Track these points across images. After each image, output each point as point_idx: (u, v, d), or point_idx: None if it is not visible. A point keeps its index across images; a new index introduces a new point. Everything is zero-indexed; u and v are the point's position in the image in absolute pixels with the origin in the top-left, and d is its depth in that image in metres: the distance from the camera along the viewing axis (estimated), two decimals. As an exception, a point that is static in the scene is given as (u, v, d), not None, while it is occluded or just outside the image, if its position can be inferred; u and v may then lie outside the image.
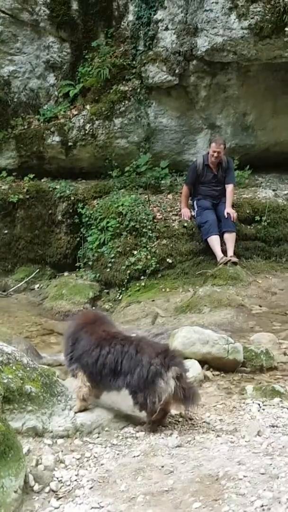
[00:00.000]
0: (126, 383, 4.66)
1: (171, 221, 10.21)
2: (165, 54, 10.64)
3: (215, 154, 9.92)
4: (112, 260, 9.84)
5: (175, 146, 11.50)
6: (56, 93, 11.36)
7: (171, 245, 9.92)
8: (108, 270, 9.86)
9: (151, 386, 4.55)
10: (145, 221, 9.96)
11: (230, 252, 9.66)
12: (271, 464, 3.89)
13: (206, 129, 11.46)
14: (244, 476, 3.75)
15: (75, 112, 11.13)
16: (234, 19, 9.97)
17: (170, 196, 10.92)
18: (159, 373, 4.55)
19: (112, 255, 9.85)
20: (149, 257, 9.70)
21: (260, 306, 8.80)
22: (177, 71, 10.70)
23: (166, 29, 10.63)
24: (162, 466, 4.04)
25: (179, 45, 10.56)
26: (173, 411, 5.08)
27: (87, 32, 11.26)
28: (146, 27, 10.79)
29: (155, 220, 10.10)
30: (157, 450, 4.32)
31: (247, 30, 9.93)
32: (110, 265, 9.84)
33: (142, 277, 9.65)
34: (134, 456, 4.26)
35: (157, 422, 4.70)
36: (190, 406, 4.68)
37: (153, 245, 9.85)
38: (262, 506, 3.39)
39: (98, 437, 4.65)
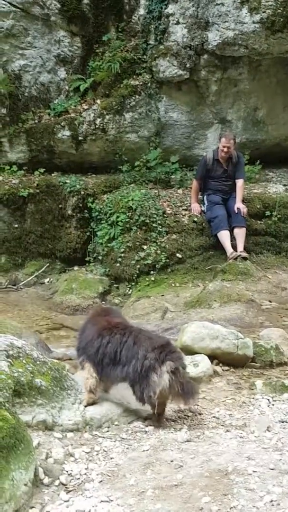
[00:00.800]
0: (124, 374, 4.71)
1: (181, 216, 10.20)
2: (176, 48, 10.61)
3: (225, 149, 9.90)
4: (122, 254, 9.83)
5: (186, 141, 11.49)
6: (66, 87, 11.34)
7: (181, 240, 9.90)
8: (118, 264, 9.85)
9: (145, 380, 4.58)
10: (155, 216, 9.95)
11: (240, 247, 9.65)
12: (280, 460, 3.89)
13: (216, 123, 11.43)
14: (254, 471, 3.76)
15: (86, 107, 11.11)
16: (246, 13, 9.92)
17: (180, 191, 10.90)
18: (153, 367, 4.56)
19: (122, 249, 9.84)
20: (158, 252, 9.69)
21: (270, 302, 8.78)
22: (188, 65, 10.66)
23: (177, 23, 10.59)
24: (172, 461, 4.06)
25: (190, 39, 10.52)
26: (182, 406, 5.11)
27: (98, 26, 11.23)
28: (157, 21, 10.77)
29: (165, 215, 10.08)
30: (167, 444, 4.34)
31: (258, 24, 9.88)
32: (120, 259, 9.83)
33: (151, 272, 9.65)
34: (144, 450, 4.28)
35: (160, 416, 4.72)
36: (188, 401, 4.66)
37: (163, 240, 9.83)
38: (272, 501, 3.40)
39: (107, 431, 4.67)
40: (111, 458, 4.23)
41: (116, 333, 4.84)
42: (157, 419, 4.73)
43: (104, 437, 4.56)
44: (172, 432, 4.59)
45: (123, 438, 4.54)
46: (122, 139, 11.19)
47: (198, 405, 5.18)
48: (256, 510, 3.33)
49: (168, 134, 11.40)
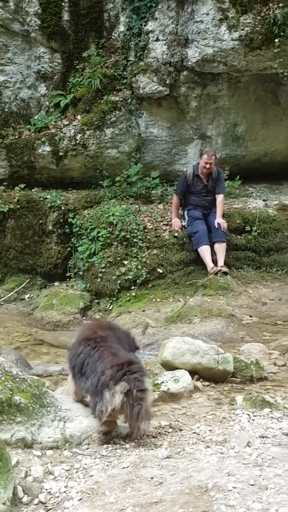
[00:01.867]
0: (87, 386, 4.76)
1: (162, 231, 10.23)
2: (155, 65, 10.69)
3: (207, 166, 9.96)
4: (103, 270, 9.84)
5: (166, 156, 11.54)
6: (47, 103, 11.38)
7: (162, 255, 9.93)
8: (99, 280, 9.85)
9: (100, 395, 4.59)
10: (136, 231, 9.97)
11: (221, 262, 9.68)
12: (260, 475, 3.89)
13: (196, 139, 11.51)
14: (234, 487, 3.74)
15: (66, 122, 11.14)
16: (225, 31, 10.05)
17: (161, 206, 10.94)
18: (106, 384, 4.56)
19: (103, 265, 9.85)
20: (139, 267, 9.70)
21: (251, 316, 8.82)
22: (167, 81, 10.74)
23: (157, 40, 10.68)
24: (152, 478, 4.03)
25: (170, 55, 10.61)
26: (163, 422, 5.11)
27: (78, 42, 11.28)
28: (137, 38, 10.83)
29: (145, 230, 10.11)
30: (147, 461, 4.31)
31: (237, 41, 10.01)
32: (100, 275, 9.84)
33: (132, 287, 9.65)
34: (124, 468, 4.25)
35: (107, 434, 4.67)
36: (135, 426, 4.56)
37: (144, 255, 9.85)
38: (251, 517, 3.39)
39: (87, 448, 4.63)
40: (91, 476, 4.20)
41: (88, 345, 4.89)
42: (103, 436, 4.67)
43: (84, 455, 4.53)
44: (152, 449, 4.57)
45: (103, 455, 4.51)
46: (103, 154, 11.23)
47: (178, 421, 5.18)
48: (236, 526, 3.33)
49: (148, 150, 11.46)
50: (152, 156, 11.50)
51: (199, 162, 10.13)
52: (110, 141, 11.16)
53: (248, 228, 10.42)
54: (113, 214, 10.14)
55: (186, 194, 10.24)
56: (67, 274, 10.67)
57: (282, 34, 9.86)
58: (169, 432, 4.95)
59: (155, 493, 3.81)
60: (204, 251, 9.75)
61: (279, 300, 9.46)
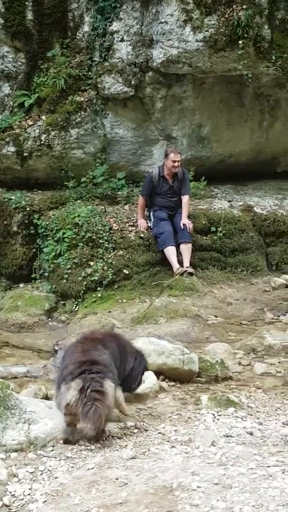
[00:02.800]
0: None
1: (128, 232, 10.23)
2: (120, 65, 10.70)
3: (175, 164, 9.98)
4: (69, 271, 9.80)
5: (132, 157, 11.56)
6: (11, 103, 11.28)
7: (128, 256, 9.92)
8: (64, 281, 9.82)
9: (59, 388, 4.81)
10: (102, 232, 9.96)
11: (186, 262, 9.72)
12: (224, 474, 3.92)
13: (162, 140, 11.54)
14: (198, 487, 3.77)
15: (31, 123, 11.06)
16: (189, 32, 10.12)
17: (126, 207, 10.94)
18: (64, 379, 4.75)
19: (68, 266, 9.81)
20: (105, 268, 9.69)
21: (216, 317, 8.89)
22: (133, 82, 10.76)
23: (122, 40, 10.69)
24: (117, 478, 4.04)
25: (135, 56, 10.63)
26: (129, 422, 5.12)
27: (42, 42, 11.22)
28: (102, 38, 10.83)
29: (111, 231, 10.09)
30: (112, 462, 4.32)
31: (201, 42, 10.10)
32: (66, 276, 9.80)
33: (98, 288, 9.63)
34: (89, 469, 4.25)
35: (69, 425, 4.70)
36: (84, 422, 4.59)
37: (110, 256, 9.83)
38: (215, 516, 3.41)
39: (52, 450, 4.62)
40: (56, 478, 4.19)
41: (72, 344, 5.22)
42: (66, 427, 4.72)
43: (48, 456, 4.51)
44: (117, 450, 4.58)
45: (68, 457, 4.50)
46: (68, 155, 11.19)
47: (144, 422, 5.20)
48: (200, 526, 3.35)
49: (114, 151, 11.45)
50: (118, 157, 11.50)
51: (165, 163, 10.15)
52: (76, 141, 11.13)
53: (213, 228, 10.49)
54: (78, 215, 10.12)
55: (152, 195, 10.25)
56: (32, 276, 10.59)
57: (246, 35, 10.00)
58: (134, 433, 4.98)
59: (120, 494, 3.82)
60: (170, 252, 9.79)
61: (244, 300, 9.55)
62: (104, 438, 4.76)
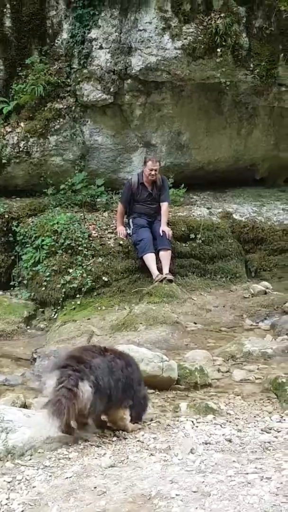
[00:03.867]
0: None
1: (107, 239, 10.21)
2: (99, 73, 10.68)
3: (152, 172, 10.00)
4: (47, 278, 9.75)
5: (111, 164, 11.54)
6: (-11, 110, 11.24)
7: (107, 263, 9.90)
8: (43, 288, 9.77)
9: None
10: (81, 239, 9.93)
11: (166, 269, 9.72)
12: (203, 482, 3.91)
13: (141, 147, 11.54)
14: (176, 495, 3.76)
15: (9, 129, 11.00)
16: (168, 39, 10.16)
17: (106, 214, 10.93)
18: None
19: (47, 273, 9.76)
20: (84, 275, 9.66)
21: (195, 323, 8.89)
22: (111, 89, 10.75)
23: (101, 47, 10.67)
24: (95, 487, 4.02)
25: (114, 64, 10.62)
26: (107, 430, 5.10)
27: (20, 49, 11.15)
28: (81, 46, 10.80)
29: (90, 238, 10.07)
30: (90, 470, 4.30)
31: (180, 50, 10.15)
32: (45, 283, 9.75)
33: (77, 296, 9.59)
34: (67, 478, 4.23)
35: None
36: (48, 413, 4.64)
37: (89, 263, 9.80)
38: (194, 524, 3.41)
39: (30, 459, 4.59)
40: (34, 487, 4.16)
41: None
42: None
43: (26, 466, 4.49)
44: (96, 458, 4.55)
45: (46, 466, 4.47)
46: (47, 162, 11.15)
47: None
48: (178, 534, 3.34)
49: (93, 158, 11.44)
50: (97, 164, 11.48)
51: (144, 170, 10.17)
52: (54, 148, 11.10)
53: (192, 235, 10.51)
54: (57, 222, 10.08)
55: (131, 203, 10.24)
56: (11, 283, 10.53)
57: (224, 43, 10.07)
58: (113, 441, 4.96)
59: (98, 503, 3.80)
60: (149, 258, 9.78)
61: (223, 307, 9.56)
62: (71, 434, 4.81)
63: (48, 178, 11.13)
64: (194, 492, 3.79)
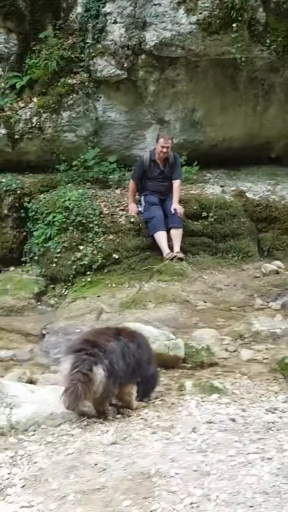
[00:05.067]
0: None
1: (118, 216, 10.17)
2: (113, 48, 10.57)
3: (164, 150, 9.92)
4: (58, 255, 9.74)
5: (124, 141, 11.45)
6: (2, 84, 11.14)
7: (118, 240, 9.87)
8: (54, 265, 9.76)
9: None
10: (92, 216, 9.90)
11: (177, 248, 9.68)
12: (203, 461, 3.91)
13: (155, 124, 11.43)
14: (176, 474, 3.76)
15: (22, 105, 10.94)
16: (183, 14, 10.01)
17: (118, 191, 10.87)
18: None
19: (58, 250, 9.75)
20: (95, 252, 9.64)
21: (205, 302, 8.84)
22: (125, 65, 10.64)
23: (115, 22, 10.55)
24: (96, 464, 4.03)
25: (128, 38, 10.50)
26: (111, 407, 5.11)
27: (34, 23, 11.08)
28: (95, 20, 10.69)
29: (101, 215, 10.03)
30: (92, 447, 4.31)
31: (195, 25, 10.00)
32: (56, 260, 9.74)
33: (88, 273, 9.58)
34: (68, 454, 4.24)
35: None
36: (63, 398, 4.73)
37: (100, 240, 9.78)
38: (192, 503, 3.40)
39: (33, 435, 4.62)
40: (35, 463, 4.18)
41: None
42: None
43: (29, 441, 4.51)
44: (98, 435, 4.56)
45: (48, 442, 4.49)
46: (60, 138, 11.08)
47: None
48: (176, 512, 3.34)
49: (106, 134, 11.35)
50: (110, 140, 11.39)
51: (156, 147, 10.08)
52: (67, 124, 11.03)
53: (204, 214, 10.42)
54: (69, 199, 10.03)
55: (143, 180, 10.18)
56: (22, 259, 10.54)
57: (240, 18, 9.90)
58: (117, 418, 4.97)
59: (98, 480, 3.81)
60: (160, 237, 9.74)
61: (234, 286, 9.49)
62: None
63: (60, 154, 11.07)
64: (194, 471, 3.79)
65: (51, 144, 11.08)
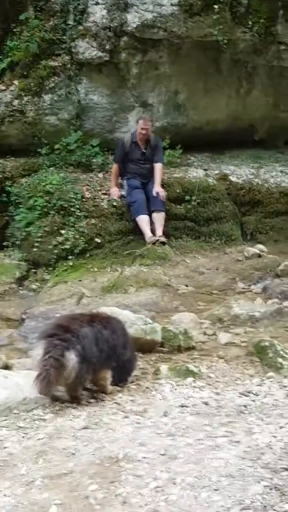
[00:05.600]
0: None
1: (100, 200, 10.15)
2: (95, 29, 10.47)
3: (143, 131, 9.92)
4: (40, 239, 9.71)
5: (107, 124, 11.37)
6: (-17, 67, 11.05)
7: (100, 224, 9.87)
8: (36, 249, 9.73)
9: None
10: (74, 200, 9.87)
11: (159, 231, 9.68)
12: (171, 445, 3.92)
13: (138, 107, 11.33)
14: (144, 458, 3.77)
15: (3, 88, 10.83)
16: (164, -5, 9.92)
17: (100, 175, 10.82)
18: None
19: (39, 234, 9.71)
20: (77, 236, 9.63)
21: (187, 286, 8.84)
22: (107, 47, 10.55)
23: (96, 3, 10.46)
24: (65, 449, 4.03)
25: (110, 20, 10.41)
26: (84, 392, 5.10)
27: (15, 4, 10.93)
28: (76, 1, 10.58)
29: (83, 199, 10.01)
30: (62, 432, 4.31)
31: (176, 6, 9.99)
32: (37, 244, 9.71)
33: (70, 257, 9.57)
34: (39, 439, 4.23)
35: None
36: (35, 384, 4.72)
37: (82, 224, 9.77)
38: (157, 487, 3.40)
39: (5, 420, 4.58)
40: (5, 448, 4.16)
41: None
42: None
43: (0, 426, 4.49)
44: (70, 420, 4.55)
45: (20, 427, 4.47)
46: (42, 121, 10.99)
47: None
48: (141, 497, 3.33)
49: (88, 117, 11.26)
50: (93, 123, 11.31)
51: (136, 128, 10.03)
52: (49, 107, 10.94)
53: (187, 197, 10.42)
54: (50, 183, 10.01)
55: (125, 163, 10.15)
56: (4, 244, 10.48)
57: (221, 0, 9.79)
58: (90, 402, 4.96)
59: (66, 465, 3.80)
60: (142, 220, 9.73)
61: (216, 269, 9.51)
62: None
63: (42, 138, 10.98)
64: (162, 455, 3.79)
65: (33, 128, 10.98)
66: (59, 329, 4.94)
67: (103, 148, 11.11)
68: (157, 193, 9.81)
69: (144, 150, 10.07)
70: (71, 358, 4.72)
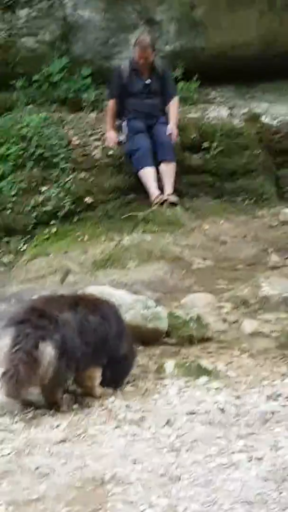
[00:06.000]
0: None
1: (92, 148, 10.19)
2: None
3: (141, 61, 9.91)
4: (14, 199, 9.81)
5: (101, 48, 11.39)
6: None
7: (91, 179, 9.94)
8: (8, 212, 9.80)
9: None
10: (57, 147, 9.96)
11: (168, 189, 9.68)
12: (174, 463, 3.96)
13: (142, 25, 11.31)
14: (137, 479, 3.80)
15: None
16: None
17: (92, 115, 10.87)
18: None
19: (14, 192, 9.81)
20: (61, 195, 9.70)
21: (204, 259, 8.85)
22: None
23: None
24: (37, 468, 4.06)
25: None
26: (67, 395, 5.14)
27: None
28: None
29: (70, 147, 10.06)
30: (35, 446, 4.35)
31: None
32: (10, 205, 9.80)
33: (52, 222, 9.68)
34: (3, 456, 4.27)
35: None
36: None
37: (68, 179, 9.84)
38: (152, 517, 3.44)
39: None
40: None
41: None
42: None
43: None
44: (46, 431, 4.59)
45: (-20, 440, 4.53)
46: (16, 44, 11.09)
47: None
48: (132, 529, 3.38)
49: (78, 39, 11.30)
50: (83, 47, 11.34)
51: (134, 52, 10.03)
52: (25, 26, 11.01)
53: (206, 144, 10.41)
54: (27, 125, 10.09)
55: (124, 98, 10.11)
56: None
57: None
58: (73, 409, 4.99)
59: (38, 488, 3.84)
60: (147, 174, 9.73)
61: (244, 237, 9.52)
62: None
63: (17, 66, 11.02)
64: (161, 475, 3.83)
65: (4, 53, 11.06)
66: (33, 314, 4.95)
67: (97, 80, 11.13)
68: (170, 134, 9.80)
69: (147, 82, 10.02)
70: (47, 352, 4.73)
